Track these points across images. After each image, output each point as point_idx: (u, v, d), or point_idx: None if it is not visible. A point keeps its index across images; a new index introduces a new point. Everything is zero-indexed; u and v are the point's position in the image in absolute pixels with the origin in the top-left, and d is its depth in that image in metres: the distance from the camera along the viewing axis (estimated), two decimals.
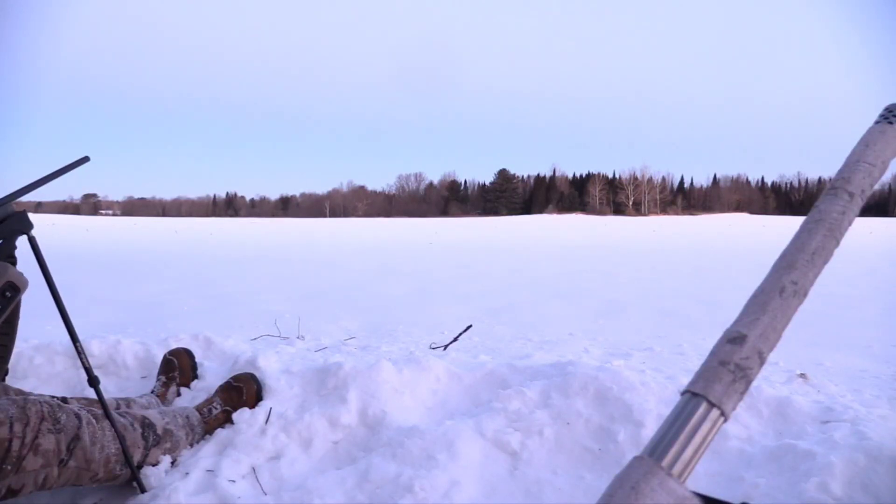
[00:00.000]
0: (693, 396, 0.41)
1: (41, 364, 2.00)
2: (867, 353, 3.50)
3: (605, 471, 1.52)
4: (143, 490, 1.41)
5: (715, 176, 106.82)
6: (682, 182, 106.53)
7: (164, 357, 1.92)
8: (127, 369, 2.04)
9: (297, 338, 3.37)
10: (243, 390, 1.74)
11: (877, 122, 0.58)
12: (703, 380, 0.42)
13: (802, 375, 2.68)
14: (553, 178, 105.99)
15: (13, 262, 1.29)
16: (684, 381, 1.49)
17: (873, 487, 1.28)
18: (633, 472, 0.38)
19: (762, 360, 0.43)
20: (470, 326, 3.56)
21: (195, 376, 1.92)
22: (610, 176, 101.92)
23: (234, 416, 1.68)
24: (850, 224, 0.51)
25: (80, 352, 1.35)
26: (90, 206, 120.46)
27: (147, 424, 1.47)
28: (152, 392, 1.82)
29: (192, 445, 1.59)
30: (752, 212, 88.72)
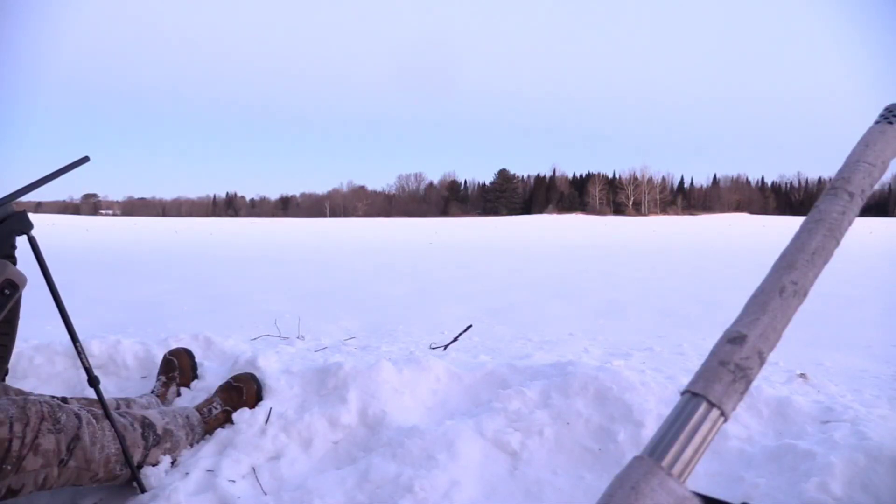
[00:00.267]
0: (693, 396, 0.41)
1: (41, 364, 2.00)
2: (867, 353, 3.50)
3: (605, 471, 1.52)
4: (143, 490, 1.41)
5: (715, 176, 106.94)
6: (682, 182, 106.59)
7: (164, 357, 1.92)
8: (127, 369, 2.04)
9: (297, 338, 3.37)
10: (243, 390, 1.74)
11: (877, 122, 0.58)
12: (703, 380, 0.42)
13: (802, 375, 2.68)
14: (553, 178, 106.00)
15: (13, 262, 1.29)
16: (684, 381, 1.49)
17: (873, 487, 1.28)
18: (633, 472, 0.38)
19: (762, 360, 0.43)
20: (470, 326, 3.56)
21: (195, 376, 1.92)
22: (610, 176, 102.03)
23: (234, 416, 1.68)
24: (850, 224, 0.51)
25: (80, 352, 1.35)
26: (90, 206, 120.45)
27: (147, 424, 1.47)
28: (152, 392, 1.82)
29: (192, 445, 1.59)
30: (752, 212, 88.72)
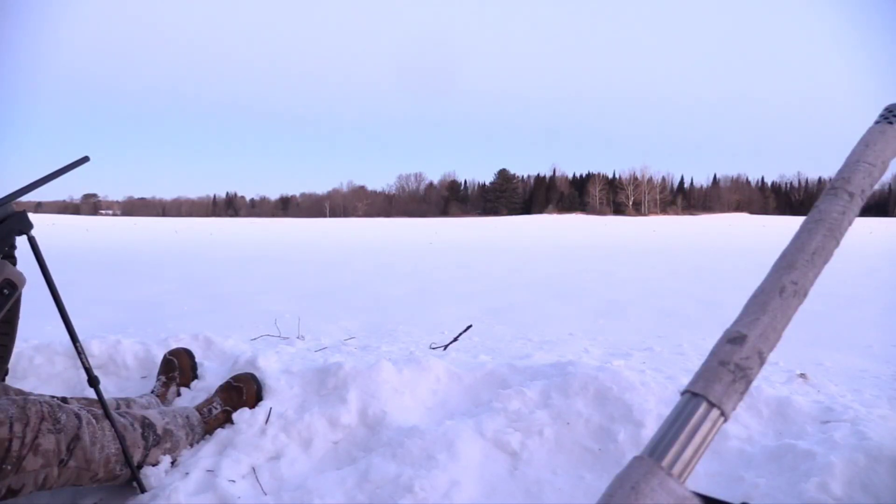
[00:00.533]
0: (693, 396, 0.41)
1: (41, 364, 2.00)
2: (867, 353, 3.50)
3: (605, 471, 1.52)
4: (143, 490, 1.41)
5: (715, 176, 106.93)
6: (682, 182, 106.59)
7: (164, 357, 1.92)
8: (127, 369, 2.04)
9: (297, 338, 3.37)
10: (243, 390, 1.74)
11: (877, 122, 0.58)
12: (703, 380, 0.42)
13: (802, 375, 2.68)
14: (553, 178, 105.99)
15: (13, 262, 1.29)
16: (684, 381, 1.49)
17: (873, 487, 1.28)
18: (633, 472, 0.38)
19: (762, 360, 0.43)
20: (470, 326, 3.56)
21: (195, 376, 1.92)
22: (610, 176, 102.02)
23: (234, 416, 1.68)
24: (850, 224, 0.51)
25: (80, 352, 1.35)
26: (90, 206, 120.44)
27: (147, 424, 1.47)
28: (152, 392, 1.82)
29: (192, 445, 1.59)
30: (752, 212, 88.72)
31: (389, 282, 7.41)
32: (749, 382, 0.42)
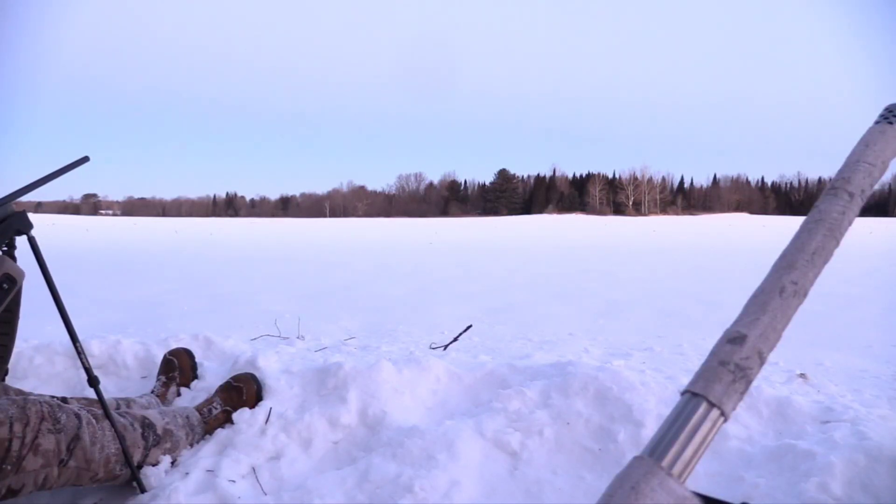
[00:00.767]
0: (693, 396, 0.41)
1: (41, 364, 2.00)
2: (867, 353, 3.50)
3: (605, 471, 1.52)
4: (143, 490, 1.41)
5: (715, 176, 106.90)
6: (682, 182, 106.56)
7: (164, 357, 1.92)
8: (127, 369, 2.04)
9: (297, 338, 3.37)
10: (243, 390, 1.74)
11: (877, 122, 0.58)
12: (703, 380, 0.42)
13: (802, 375, 2.68)
14: (553, 178, 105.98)
15: (12, 259, 1.29)
16: (684, 381, 1.49)
17: (873, 487, 1.28)
18: (633, 472, 0.38)
19: (762, 360, 0.43)
20: (470, 326, 3.56)
21: (195, 376, 1.92)
22: (610, 176, 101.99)
23: (234, 416, 1.68)
24: (850, 224, 0.51)
25: (80, 352, 1.35)
26: (90, 206, 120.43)
27: (147, 424, 1.47)
28: (152, 392, 1.82)
29: (192, 445, 1.59)
30: (752, 212, 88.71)
31: (389, 282, 7.41)
32: (749, 382, 0.42)
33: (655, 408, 1.64)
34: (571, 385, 1.74)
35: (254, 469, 1.52)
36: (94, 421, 1.33)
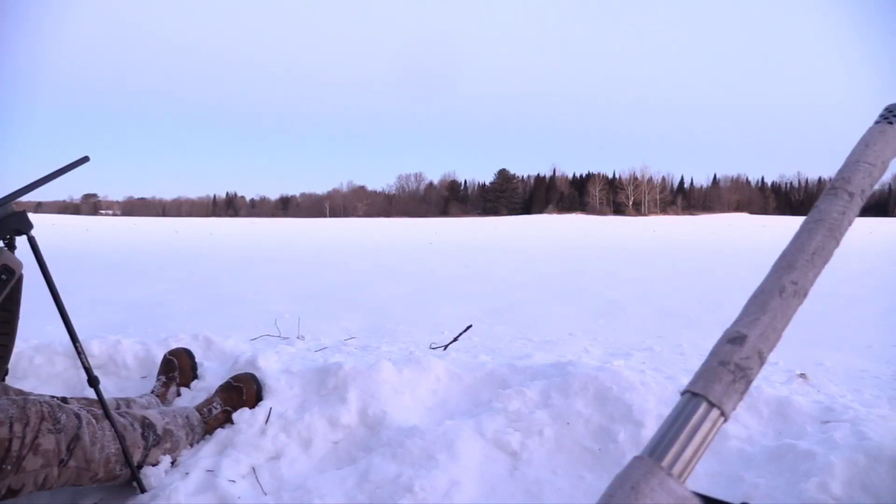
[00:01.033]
0: (693, 396, 0.41)
1: (41, 364, 2.00)
2: (867, 353, 3.50)
3: (605, 471, 1.52)
4: (143, 490, 1.41)
5: (715, 176, 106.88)
6: (682, 182, 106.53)
7: (164, 357, 1.92)
8: (127, 369, 2.04)
9: (297, 338, 3.37)
10: (243, 390, 1.74)
11: (877, 122, 0.58)
12: (703, 380, 0.42)
13: (802, 375, 2.68)
14: (553, 178, 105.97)
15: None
16: (684, 381, 1.49)
17: (873, 487, 1.28)
18: (633, 472, 0.38)
19: (762, 360, 0.43)
20: (470, 326, 3.56)
21: (195, 376, 1.92)
22: (610, 176, 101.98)
23: (234, 416, 1.68)
24: (850, 224, 0.51)
25: (80, 352, 1.35)
26: (90, 206, 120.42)
27: (147, 424, 1.47)
28: (152, 392, 1.82)
29: (192, 445, 1.59)
30: (752, 212, 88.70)
31: (389, 282, 7.41)
32: (749, 382, 0.42)
33: (655, 408, 1.64)
34: (571, 385, 1.74)
35: (254, 469, 1.52)
36: (94, 421, 1.33)
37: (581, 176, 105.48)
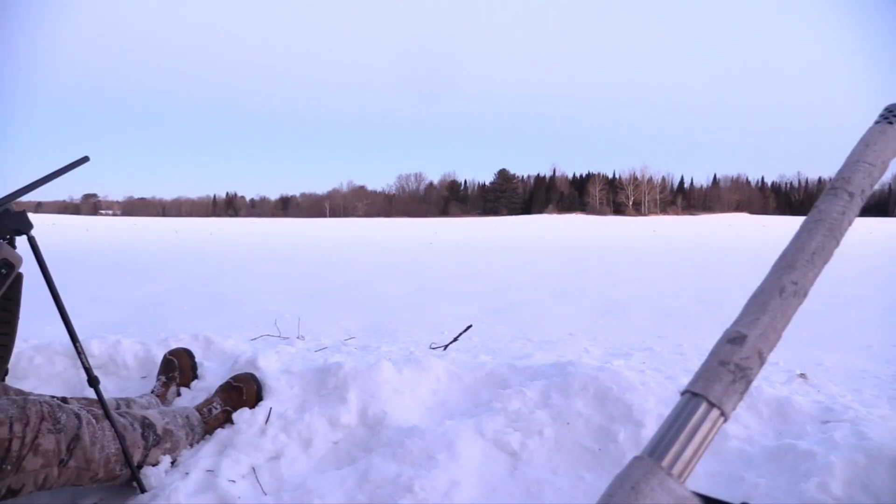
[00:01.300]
0: (693, 396, 0.41)
1: (41, 364, 2.00)
2: (867, 353, 3.50)
3: (605, 471, 1.52)
4: (143, 490, 1.41)
5: (715, 176, 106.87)
6: (682, 182, 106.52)
7: (164, 357, 1.92)
8: (127, 369, 2.04)
9: (297, 338, 3.37)
10: (243, 390, 1.74)
11: (877, 122, 0.58)
12: (703, 380, 0.42)
13: (802, 375, 2.68)
14: (553, 178, 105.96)
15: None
16: (684, 381, 1.49)
17: (873, 487, 1.28)
18: (633, 472, 0.38)
19: (762, 360, 0.43)
20: (470, 326, 3.56)
21: (195, 376, 1.92)
22: (610, 176, 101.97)
23: (234, 416, 1.68)
24: (850, 224, 0.51)
25: (80, 352, 1.35)
26: (90, 206, 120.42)
27: (147, 424, 1.47)
28: (152, 392, 1.82)
29: (192, 445, 1.59)
30: (752, 212, 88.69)
31: (389, 282, 7.41)
32: (749, 382, 0.42)
33: (655, 408, 1.64)
34: (571, 385, 1.74)
35: (254, 469, 1.52)
36: (94, 421, 1.33)
37: (581, 176, 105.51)
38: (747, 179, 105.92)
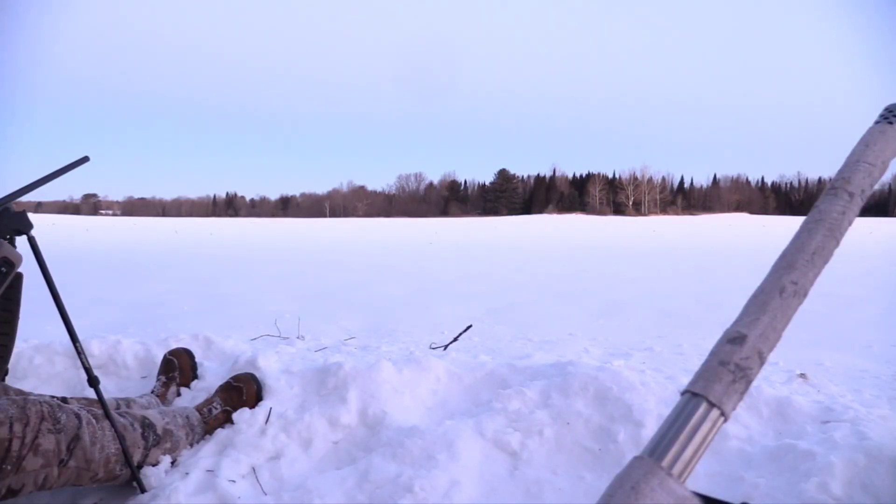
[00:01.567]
0: (693, 396, 0.41)
1: (41, 364, 2.00)
2: (867, 353, 3.50)
3: (605, 471, 1.52)
4: (143, 490, 1.41)
5: (715, 176, 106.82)
6: (682, 182, 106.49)
7: (164, 357, 1.92)
8: (127, 369, 2.04)
9: (297, 338, 3.37)
10: (243, 390, 1.74)
11: (877, 122, 0.58)
12: (703, 380, 0.42)
13: (802, 375, 2.68)
14: (553, 178, 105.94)
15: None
16: (684, 381, 1.49)
17: (873, 487, 1.28)
18: (633, 472, 0.38)
19: (762, 360, 0.43)
20: (470, 326, 3.56)
21: (195, 376, 1.92)
22: (610, 176, 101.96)
23: (234, 416, 1.68)
24: (850, 224, 0.51)
25: (80, 352, 1.35)
26: (90, 206, 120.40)
27: (147, 424, 1.47)
28: (152, 392, 1.82)
29: (192, 445, 1.59)
30: (752, 212, 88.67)
31: (389, 282, 7.41)
32: (749, 382, 0.42)
33: (655, 408, 1.64)
34: (571, 385, 1.74)
35: (254, 469, 1.52)
36: (94, 421, 1.33)
37: (581, 176, 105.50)
38: (747, 179, 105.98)
